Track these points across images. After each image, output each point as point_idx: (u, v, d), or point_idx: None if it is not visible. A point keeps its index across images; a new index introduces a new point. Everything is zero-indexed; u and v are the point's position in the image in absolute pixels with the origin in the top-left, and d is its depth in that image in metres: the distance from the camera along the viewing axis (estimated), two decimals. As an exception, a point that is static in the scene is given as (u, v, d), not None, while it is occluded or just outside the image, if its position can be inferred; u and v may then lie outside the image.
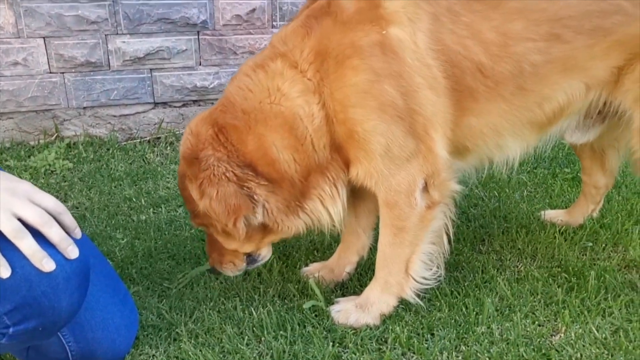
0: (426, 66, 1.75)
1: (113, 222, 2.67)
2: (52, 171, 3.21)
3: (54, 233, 1.34)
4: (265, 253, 2.04)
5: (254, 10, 3.66)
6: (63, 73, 3.46)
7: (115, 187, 3.04)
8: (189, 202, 1.86)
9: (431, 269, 2.00)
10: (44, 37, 3.34)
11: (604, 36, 1.84)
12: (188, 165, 1.80)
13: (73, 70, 3.46)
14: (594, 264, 2.30)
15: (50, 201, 1.36)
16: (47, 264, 1.33)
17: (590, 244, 2.45)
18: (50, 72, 3.43)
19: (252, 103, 1.77)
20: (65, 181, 3.10)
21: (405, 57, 1.73)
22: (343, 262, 2.23)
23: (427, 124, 1.78)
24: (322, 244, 2.47)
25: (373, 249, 2.28)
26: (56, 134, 3.55)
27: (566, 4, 1.82)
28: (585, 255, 2.39)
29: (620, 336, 1.89)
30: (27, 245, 1.30)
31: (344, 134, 1.78)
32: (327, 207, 1.86)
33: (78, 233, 1.42)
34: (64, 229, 1.39)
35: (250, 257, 2.03)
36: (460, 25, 1.78)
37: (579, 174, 2.71)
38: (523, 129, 1.96)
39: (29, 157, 3.33)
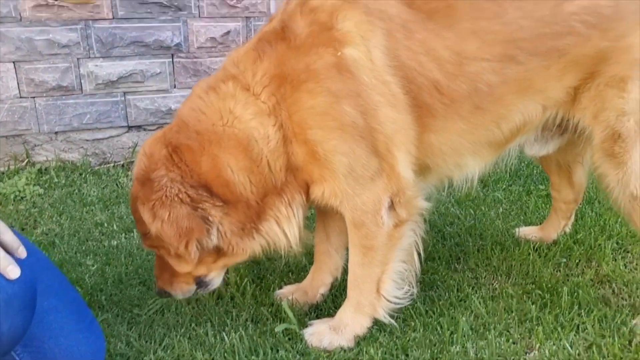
0: (384, 83, 1.76)
1: (83, 248, 2.62)
2: (22, 197, 3.15)
3: None
4: (217, 278, 1.99)
5: (228, 32, 3.68)
6: (34, 97, 3.42)
7: (86, 212, 2.99)
8: (140, 224, 1.83)
9: (403, 288, 1.98)
10: (13, 62, 3.31)
11: (559, 57, 1.87)
12: (141, 186, 1.77)
13: (44, 95, 3.43)
14: (568, 280, 2.31)
15: None
16: None
17: (564, 260, 2.47)
18: (21, 97, 3.40)
19: (205, 125, 1.76)
20: (35, 207, 3.05)
21: (362, 76, 1.74)
22: (317, 284, 2.21)
23: (389, 142, 1.78)
24: (296, 266, 2.44)
25: (347, 269, 2.26)
26: (27, 160, 3.49)
27: (520, 27, 1.84)
28: (559, 271, 2.39)
29: (593, 352, 1.89)
30: None
31: (306, 155, 1.77)
32: (283, 228, 1.85)
33: (22, 252, 1.38)
34: (6, 249, 1.34)
35: (201, 281, 1.98)
36: (415, 42, 1.80)
37: (552, 190, 2.74)
38: (481, 148, 1.98)
39: (-2, 183, 3.28)
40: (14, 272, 1.33)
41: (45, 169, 3.47)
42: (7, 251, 1.35)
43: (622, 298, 2.21)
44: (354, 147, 1.73)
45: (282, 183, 1.81)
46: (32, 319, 1.41)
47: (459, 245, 2.60)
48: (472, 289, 2.26)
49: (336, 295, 2.24)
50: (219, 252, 1.85)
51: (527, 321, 2.06)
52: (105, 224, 2.84)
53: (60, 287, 1.65)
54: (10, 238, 1.36)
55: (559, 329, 2.01)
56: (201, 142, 1.75)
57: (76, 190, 3.24)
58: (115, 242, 2.67)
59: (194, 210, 1.72)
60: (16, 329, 1.36)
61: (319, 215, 2.17)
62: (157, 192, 1.72)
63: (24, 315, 1.37)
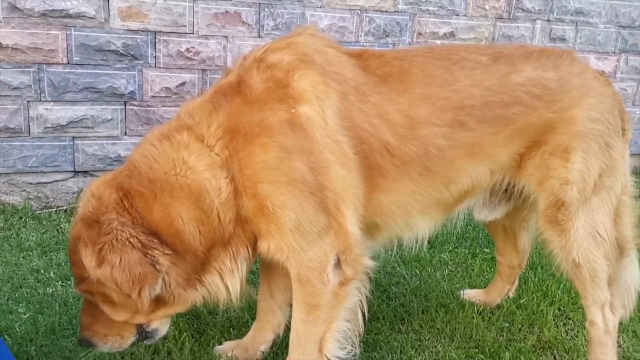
0: (336, 142, 1.79)
1: (16, 295, 2.50)
2: (-46, 240, 3.00)
3: None
4: (160, 326, 1.91)
5: (183, 83, 3.70)
6: (-22, 138, 3.32)
7: (23, 257, 2.86)
8: (77, 267, 1.75)
9: (345, 348, 1.95)
10: (-40, 100, 3.22)
11: (506, 125, 1.95)
12: (86, 228, 1.71)
13: (-11, 135, 3.33)
14: (510, 345, 2.33)
15: None
16: None
17: (507, 324, 2.49)
18: (-36, 136, 3.29)
19: (158, 173, 1.74)
20: (-32, 251, 2.90)
21: (314, 133, 1.77)
22: (258, 341, 2.16)
23: (338, 199, 1.79)
24: (238, 322, 2.38)
25: (290, 327, 2.22)
26: (-36, 200, 3.35)
27: (469, 94, 1.93)
28: (502, 335, 2.41)
29: (533, 420, 1.89)
30: None
31: (254, 209, 1.76)
32: (226, 282, 1.82)
33: None
34: None
35: (144, 330, 1.90)
36: (368, 105, 1.85)
37: (496, 254, 2.79)
38: (431, 209, 2.01)
39: None
40: None
41: (-17, 211, 3.33)
42: None
43: (563, 364, 2.23)
44: (303, 202, 1.74)
45: (229, 235, 1.79)
46: None
47: (404, 306, 2.59)
48: (416, 351, 2.25)
49: (277, 353, 2.19)
50: (158, 301, 1.78)
51: (469, 386, 2.06)
52: (42, 271, 2.72)
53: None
54: None
55: (500, 396, 2.01)
56: (153, 189, 1.73)
57: (14, 235, 3.11)
58: (50, 290, 2.55)
59: (145, 257, 1.67)
60: None
61: (263, 271, 2.15)
62: (106, 234, 1.67)
63: None
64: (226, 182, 1.74)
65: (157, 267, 1.69)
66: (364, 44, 4.08)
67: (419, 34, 4.14)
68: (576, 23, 4.56)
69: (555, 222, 2.00)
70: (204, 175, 1.73)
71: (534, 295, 2.72)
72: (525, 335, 2.43)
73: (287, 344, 2.01)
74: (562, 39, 4.54)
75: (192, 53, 3.66)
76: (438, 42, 4.26)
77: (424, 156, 1.89)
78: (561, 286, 2.79)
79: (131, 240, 1.67)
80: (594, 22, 4.61)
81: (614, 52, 4.78)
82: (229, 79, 1.85)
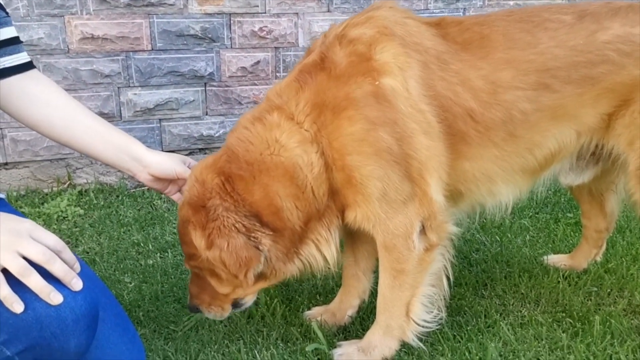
0: (419, 112, 1.82)
1: (122, 266, 2.72)
2: (64, 217, 3.28)
3: (57, 268, 1.39)
4: (251, 298, 2.04)
5: (258, 62, 3.81)
6: (77, 123, 3.58)
7: (124, 232, 3.10)
8: (187, 246, 1.89)
9: (432, 312, 2.01)
10: (60, 90, 3.49)
11: (592, 85, 1.90)
12: (193, 212, 1.83)
13: (87, 121, 3.59)
14: (599, 309, 2.29)
15: (50, 239, 1.41)
16: (54, 298, 1.37)
17: (595, 288, 2.45)
18: (65, 123, 3.56)
19: (254, 155, 1.82)
20: (76, 227, 3.17)
21: (398, 104, 1.80)
22: (345, 306, 2.25)
23: (422, 168, 1.83)
24: (324, 288, 2.49)
25: (375, 292, 2.30)
26: (69, 182, 3.65)
27: (553, 56, 1.89)
28: (590, 300, 2.38)
29: (626, 381, 1.88)
30: (35, 282, 1.35)
31: (343, 180, 1.83)
32: (322, 251, 1.90)
33: (77, 267, 1.46)
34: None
35: (237, 302, 2.03)
36: (450, 73, 1.86)
37: (581, 219, 2.73)
38: (515, 175, 2.00)
39: (42, 204, 3.42)
40: (77, 284, 1.42)
41: (85, 191, 3.62)
42: None
43: (656, 328, 2.18)
44: (389, 172, 1.79)
45: (323, 208, 1.86)
46: (94, 337, 1.49)
47: (486, 272, 2.60)
48: (500, 315, 2.27)
49: (363, 317, 2.27)
50: (259, 276, 1.89)
51: (558, 349, 2.06)
52: (142, 244, 2.94)
53: (107, 300, 1.73)
54: (69, 256, 1.44)
55: (592, 358, 1.99)
56: (252, 171, 1.81)
57: (114, 212, 3.37)
58: (151, 261, 2.76)
59: (249, 240, 1.78)
60: (81, 346, 1.44)
61: (347, 239, 2.22)
62: (213, 220, 1.77)
63: (88, 334, 1.45)
64: (317, 157, 1.81)
65: (260, 247, 1.79)
66: (434, 10, 4.03)
67: (491, -5, 4.04)
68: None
69: (647, 182, 1.94)
70: (296, 152, 1.80)
71: (623, 259, 2.65)
72: (615, 299, 2.38)
73: (372, 310, 2.10)
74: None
75: (265, 32, 3.76)
76: (511, 3, 4.13)
77: (508, 121, 1.88)
78: (652, 249, 2.71)
79: (236, 225, 1.77)
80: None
81: None
82: (312, 57, 1.90)
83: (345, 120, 1.78)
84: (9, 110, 1.83)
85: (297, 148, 1.81)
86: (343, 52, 1.84)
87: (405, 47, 1.85)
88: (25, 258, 1.35)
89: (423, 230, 1.88)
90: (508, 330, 2.15)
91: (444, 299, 2.07)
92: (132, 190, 3.69)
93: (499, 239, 2.93)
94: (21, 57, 1.81)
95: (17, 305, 1.35)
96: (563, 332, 2.15)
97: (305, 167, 1.81)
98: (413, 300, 1.96)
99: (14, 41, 1.79)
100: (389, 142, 1.78)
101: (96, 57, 3.51)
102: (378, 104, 1.78)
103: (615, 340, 2.08)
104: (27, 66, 1.83)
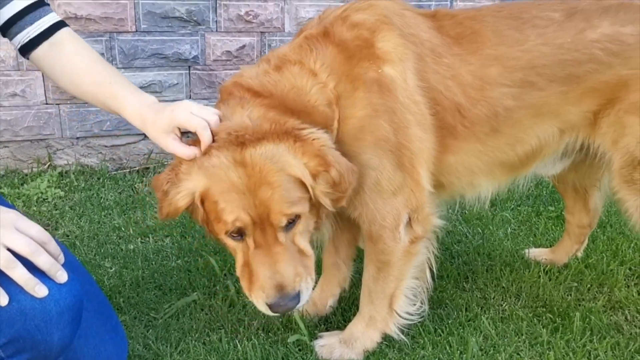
0: (415, 103, 1.82)
1: (102, 250, 2.68)
2: (44, 199, 3.22)
3: (42, 261, 1.36)
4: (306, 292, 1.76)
5: (243, 47, 3.76)
6: (59, 104, 3.51)
7: (105, 216, 3.05)
8: (284, 194, 1.60)
9: (415, 305, 2.02)
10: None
11: (577, 83, 1.90)
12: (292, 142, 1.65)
13: (68, 102, 3.51)
14: (579, 305, 2.31)
15: (34, 229, 1.37)
16: (39, 290, 1.35)
17: (575, 284, 2.46)
18: (47, 103, 3.49)
19: (303, 98, 1.76)
20: (56, 209, 3.11)
21: (397, 94, 1.80)
22: (325, 295, 2.25)
23: (414, 158, 1.83)
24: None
25: (355, 283, 2.29)
26: (49, 163, 3.57)
27: (540, 53, 1.88)
28: (570, 295, 2.39)
29: (605, 378, 1.89)
30: (19, 274, 1.33)
31: None
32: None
33: (62, 259, 1.44)
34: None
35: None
36: (442, 66, 1.86)
37: (563, 213, 2.75)
38: (495, 169, 2.01)
39: (22, 185, 3.35)
40: (62, 276, 1.39)
41: (66, 172, 3.55)
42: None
43: (636, 325, 2.21)
44: (384, 161, 1.79)
45: None
46: (78, 329, 1.47)
47: (467, 264, 2.61)
48: (481, 309, 2.28)
49: (345, 309, 2.27)
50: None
51: (538, 345, 2.07)
52: (123, 228, 2.90)
53: (90, 287, 1.71)
54: (53, 247, 1.41)
55: (571, 354, 2.01)
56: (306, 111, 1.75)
57: (95, 194, 3.31)
58: (132, 246, 2.73)
59: None
60: (65, 338, 1.42)
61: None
62: (318, 143, 1.67)
63: (72, 327, 1.43)
64: (336, 124, 1.78)
65: None
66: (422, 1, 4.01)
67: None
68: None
69: (631, 181, 1.95)
70: (325, 109, 1.77)
71: (603, 254, 2.67)
72: (595, 295, 2.40)
73: (354, 301, 2.09)
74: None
75: (251, 16, 3.71)
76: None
77: (492, 117, 1.89)
78: (632, 245, 2.73)
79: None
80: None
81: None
82: (314, 30, 1.85)
83: (358, 101, 1.77)
84: (52, 78, 1.87)
85: (327, 107, 1.77)
86: (349, 34, 1.82)
87: (404, 38, 1.84)
88: (9, 250, 1.32)
89: (409, 222, 1.88)
90: (489, 324, 2.16)
91: (427, 292, 2.07)
92: (113, 173, 3.63)
93: (480, 231, 2.94)
94: (42, 23, 1.77)
95: (1, 298, 1.32)
96: (543, 327, 2.16)
97: (330, 121, 1.77)
98: (397, 292, 1.96)
99: (36, 6, 1.76)
100: (387, 131, 1.78)
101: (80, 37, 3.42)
102: (380, 92, 1.78)
103: (594, 337, 2.10)
104: (54, 29, 1.79)
